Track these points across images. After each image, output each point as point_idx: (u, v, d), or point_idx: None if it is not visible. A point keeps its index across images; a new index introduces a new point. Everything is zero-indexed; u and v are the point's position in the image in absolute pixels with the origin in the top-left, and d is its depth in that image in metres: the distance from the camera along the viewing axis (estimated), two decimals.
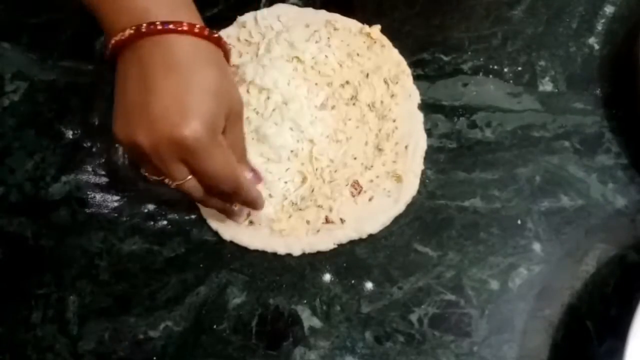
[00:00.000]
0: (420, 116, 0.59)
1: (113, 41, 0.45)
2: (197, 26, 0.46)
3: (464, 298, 0.53)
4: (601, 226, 0.55)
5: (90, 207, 0.58)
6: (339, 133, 0.57)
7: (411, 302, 0.53)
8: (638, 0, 0.63)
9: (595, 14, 0.63)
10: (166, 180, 0.47)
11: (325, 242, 0.55)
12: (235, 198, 0.51)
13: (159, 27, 0.44)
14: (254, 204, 0.53)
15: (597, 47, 0.62)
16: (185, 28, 0.45)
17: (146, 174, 0.48)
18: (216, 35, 0.47)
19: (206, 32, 0.46)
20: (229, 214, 0.54)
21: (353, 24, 0.62)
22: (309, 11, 0.63)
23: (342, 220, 0.55)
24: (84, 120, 0.61)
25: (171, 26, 0.44)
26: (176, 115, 0.43)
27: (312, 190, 0.55)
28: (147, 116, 0.44)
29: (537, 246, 0.55)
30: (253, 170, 0.55)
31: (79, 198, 0.58)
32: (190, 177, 0.46)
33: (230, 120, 0.48)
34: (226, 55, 0.49)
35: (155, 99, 0.44)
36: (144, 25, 0.44)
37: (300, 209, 0.55)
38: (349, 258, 0.55)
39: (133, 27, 0.44)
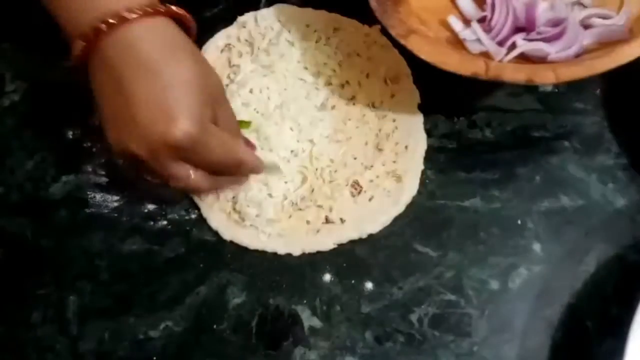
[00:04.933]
0: (420, 116, 0.59)
1: (75, 52, 0.45)
2: (151, 7, 0.44)
3: (464, 298, 0.53)
4: (601, 226, 0.55)
5: (90, 207, 0.58)
6: (339, 133, 0.57)
7: (411, 302, 0.53)
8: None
9: None
10: (171, 182, 0.47)
11: (325, 242, 0.55)
12: (240, 172, 0.52)
13: (114, 21, 0.43)
14: (257, 170, 0.53)
15: None
16: (140, 13, 0.43)
17: (149, 178, 0.49)
18: (173, 9, 0.46)
19: (162, 9, 0.45)
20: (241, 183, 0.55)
21: (353, 24, 0.62)
22: (309, 11, 0.63)
23: (342, 220, 0.55)
24: (84, 120, 0.61)
25: (126, 14, 0.43)
26: (163, 120, 0.43)
27: (312, 190, 0.55)
28: (135, 126, 0.43)
29: (537, 246, 0.55)
30: (246, 139, 0.55)
31: (79, 198, 0.58)
32: (193, 173, 0.46)
33: (216, 102, 0.47)
34: (190, 31, 0.48)
35: (135, 107, 0.43)
36: (100, 25, 0.43)
37: (300, 209, 0.55)
38: (349, 258, 0.55)
39: (89, 30, 0.43)
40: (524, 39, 0.53)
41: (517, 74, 0.48)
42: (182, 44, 0.46)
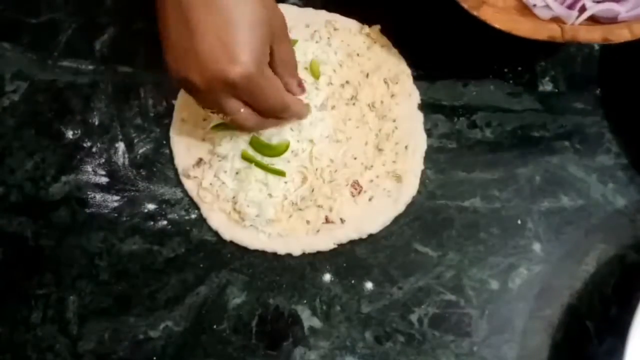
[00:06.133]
0: (420, 116, 0.59)
1: None
2: None
3: (464, 298, 0.53)
4: (601, 226, 0.55)
5: (90, 207, 0.58)
6: (339, 133, 0.57)
7: (411, 302, 0.53)
8: None
9: None
10: (220, 115, 0.51)
11: (325, 242, 0.55)
12: (285, 115, 0.54)
13: None
14: (300, 115, 0.56)
15: (597, 47, 0.62)
16: None
17: (201, 106, 0.51)
18: None
19: None
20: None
21: (353, 24, 0.62)
22: (309, 11, 0.63)
23: (342, 220, 0.55)
24: (84, 120, 0.61)
25: None
26: (223, 56, 0.45)
27: (312, 190, 0.55)
28: (195, 57, 0.45)
29: (537, 246, 0.55)
30: (299, 80, 0.57)
31: (79, 198, 0.58)
32: (242, 109, 0.49)
33: (276, 40, 0.49)
34: None
35: (199, 41, 0.45)
36: None
37: (300, 209, 0.55)
38: (349, 258, 0.55)
39: None
40: (593, 1, 0.54)
41: (592, 35, 0.50)
42: None
